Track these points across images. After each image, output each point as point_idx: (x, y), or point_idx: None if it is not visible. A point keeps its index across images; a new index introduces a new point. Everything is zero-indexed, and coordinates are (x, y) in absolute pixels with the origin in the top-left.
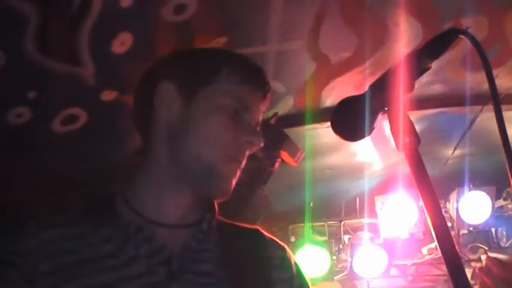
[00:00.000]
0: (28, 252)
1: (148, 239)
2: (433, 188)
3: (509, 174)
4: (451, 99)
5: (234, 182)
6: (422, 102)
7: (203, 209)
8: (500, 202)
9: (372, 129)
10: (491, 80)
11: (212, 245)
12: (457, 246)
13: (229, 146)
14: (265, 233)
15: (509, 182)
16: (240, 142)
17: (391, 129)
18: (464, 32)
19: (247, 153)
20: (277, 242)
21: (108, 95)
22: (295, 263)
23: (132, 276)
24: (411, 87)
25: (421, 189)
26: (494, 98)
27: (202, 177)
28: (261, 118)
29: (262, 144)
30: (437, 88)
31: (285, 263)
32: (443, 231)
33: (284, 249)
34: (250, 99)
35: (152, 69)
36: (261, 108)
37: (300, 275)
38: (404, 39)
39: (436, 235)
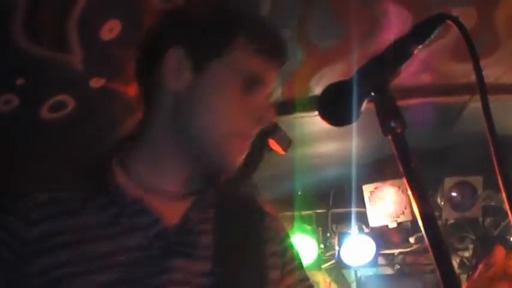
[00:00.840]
0: (18, 220)
1: (143, 210)
2: (419, 173)
3: (495, 164)
4: (439, 89)
5: (241, 159)
6: (410, 92)
7: (205, 179)
8: (487, 192)
9: (358, 114)
10: (477, 66)
11: (211, 216)
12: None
13: (241, 121)
14: (260, 203)
15: (495, 172)
16: (252, 117)
17: (377, 113)
18: (452, 17)
19: (259, 128)
20: (271, 214)
21: (96, 82)
22: (287, 235)
23: (127, 248)
24: (398, 72)
25: (407, 175)
26: (480, 84)
27: (209, 153)
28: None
29: (274, 118)
30: (425, 78)
31: (279, 236)
32: (428, 217)
33: (277, 221)
34: (266, 71)
35: (158, 32)
36: (274, 81)
37: (291, 246)
38: (392, 27)
39: (422, 222)
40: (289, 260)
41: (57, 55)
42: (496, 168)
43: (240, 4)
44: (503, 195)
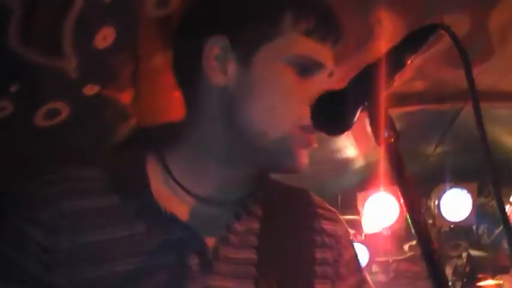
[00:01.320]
0: (47, 226)
1: (180, 223)
2: (413, 183)
3: (489, 171)
4: (433, 96)
5: (307, 153)
6: (403, 99)
7: (253, 183)
8: (482, 199)
9: (352, 123)
10: (469, 76)
11: (257, 222)
12: (436, 243)
13: (302, 114)
14: (315, 199)
15: (491, 179)
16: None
17: (370, 123)
18: (444, 27)
19: None
20: (328, 215)
21: (90, 89)
22: (347, 242)
23: (161, 265)
24: (391, 81)
25: (400, 184)
26: (472, 92)
27: (276, 150)
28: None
29: None
30: (419, 85)
31: (333, 238)
32: (422, 227)
33: (334, 220)
34: (320, 52)
35: (194, 19)
36: (333, 58)
37: (350, 256)
38: (386, 36)
39: (415, 231)
40: (345, 273)
41: (51, 61)
42: (490, 174)
43: None
44: (496, 202)
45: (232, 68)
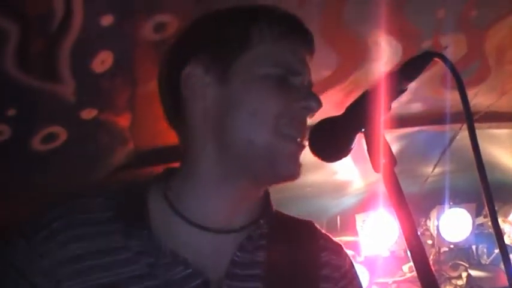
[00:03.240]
0: (48, 271)
1: (181, 261)
2: (410, 208)
3: (483, 192)
4: (431, 118)
5: (300, 157)
6: (402, 121)
7: (255, 210)
8: (481, 219)
9: (349, 150)
10: (465, 101)
11: (262, 255)
12: (433, 265)
13: (283, 118)
14: (320, 231)
15: (485, 201)
16: (294, 110)
17: (367, 150)
18: (439, 55)
19: (308, 120)
20: (331, 247)
21: (88, 114)
22: (350, 274)
23: None
24: (388, 108)
25: (398, 210)
26: (468, 118)
27: (262, 163)
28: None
29: (321, 106)
30: (417, 107)
31: (337, 272)
32: (418, 251)
33: (339, 253)
34: (296, 59)
35: (173, 53)
36: (309, 65)
37: (352, 280)
38: (384, 57)
39: (411, 255)
40: None
41: (49, 86)
42: (484, 195)
43: None
44: (491, 223)
45: (210, 90)
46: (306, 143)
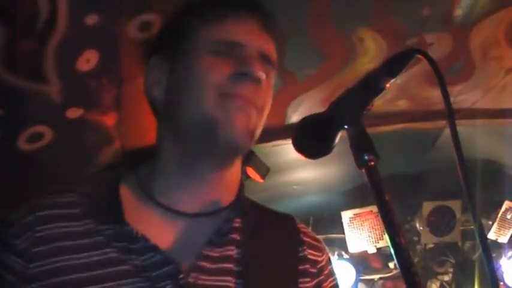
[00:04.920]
0: (23, 252)
1: (152, 247)
2: (392, 205)
3: (464, 189)
4: (416, 114)
5: (249, 125)
6: (387, 118)
7: (228, 196)
8: (466, 216)
9: (332, 147)
10: (446, 97)
11: (234, 249)
12: (420, 261)
13: (223, 84)
14: (299, 225)
15: (467, 197)
16: (234, 76)
17: (350, 146)
18: (421, 52)
19: (252, 91)
20: (310, 241)
21: (73, 113)
22: (328, 270)
23: None
24: (370, 105)
25: (380, 207)
26: (449, 115)
27: (208, 131)
28: (271, 50)
29: (263, 76)
30: (402, 104)
31: (315, 268)
32: (401, 248)
33: (318, 248)
34: (240, 32)
35: (146, 52)
36: (263, 38)
37: (329, 277)
38: (369, 54)
39: (394, 252)
40: None
41: (35, 86)
42: (465, 192)
43: None
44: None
45: (164, 78)
46: (256, 104)
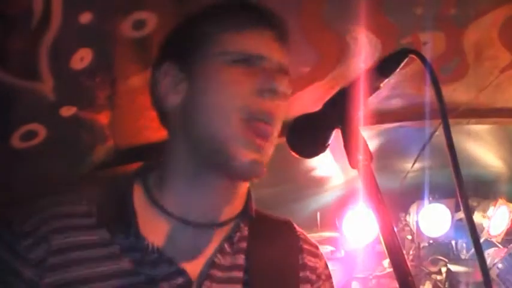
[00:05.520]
0: (38, 263)
1: (165, 259)
2: (386, 204)
3: (457, 188)
4: (410, 113)
5: (267, 152)
6: (381, 117)
7: (234, 205)
8: (460, 214)
9: (326, 146)
10: (439, 97)
11: (243, 256)
12: (413, 260)
13: (249, 103)
14: (298, 231)
15: (459, 197)
16: (259, 93)
17: (344, 146)
18: (415, 52)
19: (276, 107)
20: (310, 249)
21: (67, 111)
22: (324, 270)
23: None
24: (364, 105)
25: (374, 206)
26: (443, 115)
27: (222, 159)
28: (287, 62)
29: (289, 91)
30: (396, 102)
31: (314, 274)
32: (394, 247)
33: (316, 254)
34: (258, 46)
35: (159, 49)
36: (281, 51)
37: (326, 282)
38: (363, 53)
39: (387, 252)
40: None
41: (28, 84)
42: (458, 192)
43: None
44: (465, 219)
45: (182, 86)
46: (276, 137)
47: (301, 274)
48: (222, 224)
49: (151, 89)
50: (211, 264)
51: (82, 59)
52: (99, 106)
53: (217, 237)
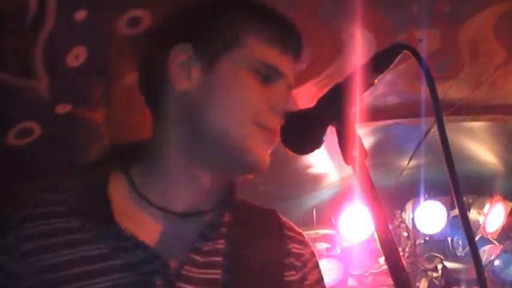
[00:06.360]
0: (10, 250)
1: (140, 245)
2: (380, 201)
3: (451, 186)
4: (406, 111)
5: (269, 153)
6: (377, 114)
7: (218, 195)
8: (456, 211)
9: (321, 142)
10: (434, 93)
11: (223, 243)
12: (409, 257)
13: (261, 114)
14: (283, 219)
15: (453, 194)
16: (273, 109)
17: (338, 142)
18: (409, 47)
19: (281, 120)
20: (295, 236)
21: (62, 109)
22: (313, 264)
23: (125, 286)
24: (358, 101)
25: (368, 203)
26: (437, 112)
27: (235, 151)
28: (292, 81)
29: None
30: (392, 100)
31: (299, 261)
32: (389, 244)
33: (302, 242)
34: (281, 62)
35: (163, 29)
36: (293, 69)
37: (316, 279)
38: (358, 51)
39: (382, 249)
40: None
41: (23, 82)
42: (452, 190)
43: None
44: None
45: (196, 73)
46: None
47: (285, 261)
48: (204, 213)
49: (146, 65)
50: (192, 248)
51: (77, 56)
52: (94, 104)
53: (199, 224)
